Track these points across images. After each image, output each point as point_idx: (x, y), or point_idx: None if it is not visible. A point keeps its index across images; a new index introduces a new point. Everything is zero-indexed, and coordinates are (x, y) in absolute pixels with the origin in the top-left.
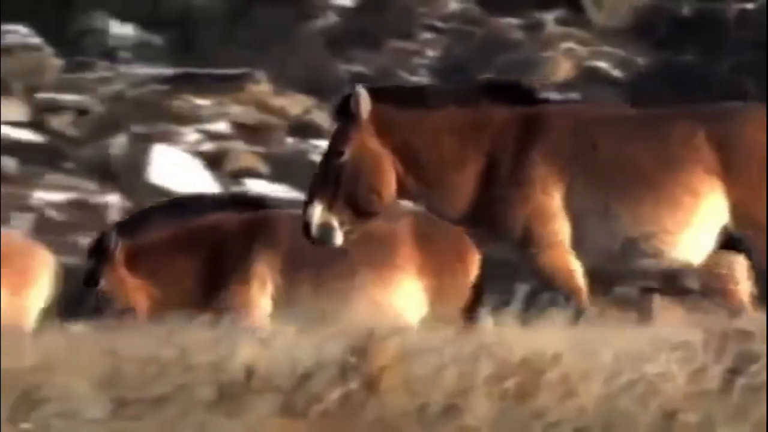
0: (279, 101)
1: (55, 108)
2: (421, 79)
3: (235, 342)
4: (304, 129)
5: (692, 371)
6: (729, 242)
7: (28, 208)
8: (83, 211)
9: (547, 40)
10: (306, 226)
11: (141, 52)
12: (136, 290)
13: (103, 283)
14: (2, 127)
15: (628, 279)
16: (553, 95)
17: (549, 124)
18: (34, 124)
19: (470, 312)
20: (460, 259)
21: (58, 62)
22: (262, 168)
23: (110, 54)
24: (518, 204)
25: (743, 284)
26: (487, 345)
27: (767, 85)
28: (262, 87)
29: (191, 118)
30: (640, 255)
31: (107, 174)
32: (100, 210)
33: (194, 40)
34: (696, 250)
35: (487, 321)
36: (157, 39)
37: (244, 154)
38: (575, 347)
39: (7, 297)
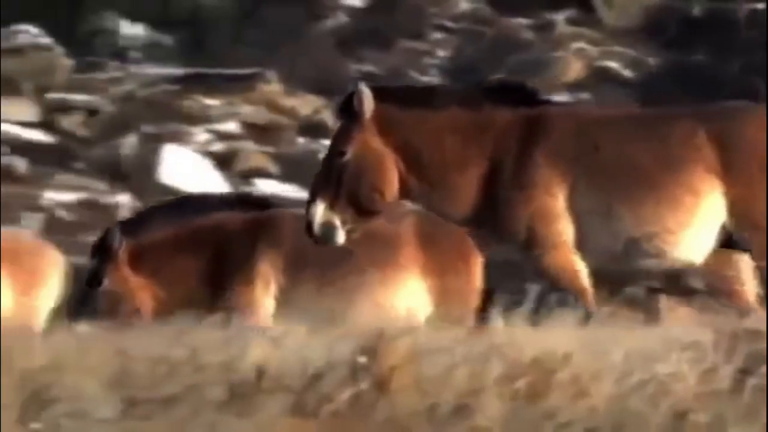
0: (289, 101)
1: (66, 108)
2: (432, 79)
3: (246, 342)
4: (314, 129)
5: (703, 371)
6: (729, 241)
7: (38, 208)
8: (93, 211)
9: (558, 40)
10: (308, 224)
11: (151, 52)
12: (139, 290)
13: (106, 283)
14: (13, 127)
15: (636, 279)
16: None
17: (551, 126)
18: (44, 125)
19: (479, 313)
20: (464, 260)
21: (68, 62)
22: (272, 168)
23: (121, 54)
24: (522, 206)
25: (749, 285)
26: (498, 345)
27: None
28: (272, 87)
29: (201, 118)
30: (642, 255)
31: (117, 174)
32: (110, 210)
33: (204, 40)
34: (697, 250)
35: (497, 321)
36: (167, 39)
37: (254, 154)
38: (586, 347)
39: (17, 297)
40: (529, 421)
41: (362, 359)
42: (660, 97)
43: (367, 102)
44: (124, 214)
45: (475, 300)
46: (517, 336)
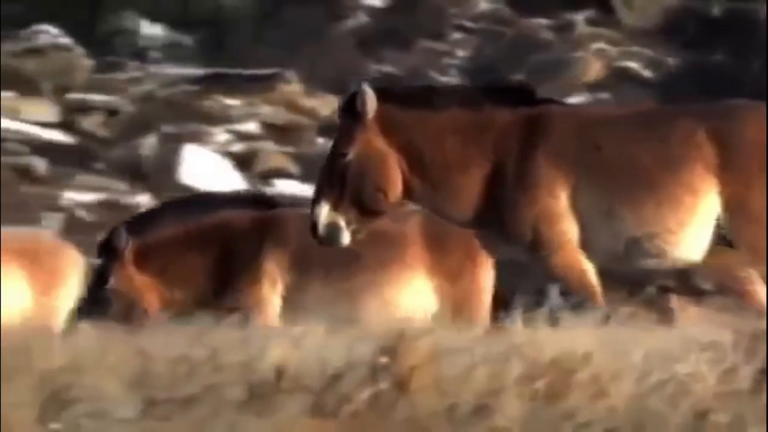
0: (309, 101)
1: (86, 108)
2: (452, 79)
3: (266, 342)
4: (334, 129)
5: (723, 371)
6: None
7: (58, 209)
8: (113, 211)
9: (578, 41)
10: (313, 225)
11: (171, 52)
12: (145, 289)
13: (112, 282)
14: (33, 127)
15: (651, 279)
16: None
17: (552, 126)
18: (64, 125)
19: (493, 313)
20: (470, 260)
21: (88, 62)
22: (292, 168)
23: (140, 54)
24: (526, 208)
25: (760, 285)
26: (518, 345)
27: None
28: (292, 87)
29: (221, 118)
30: (643, 255)
31: (137, 174)
32: (130, 210)
33: (225, 40)
34: (696, 248)
35: (516, 321)
36: (187, 39)
37: (274, 154)
38: (605, 347)
39: (37, 297)
40: (548, 421)
41: (382, 359)
42: (679, 97)
43: (370, 102)
44: None
45: (482, 300)
46: (537, 336)
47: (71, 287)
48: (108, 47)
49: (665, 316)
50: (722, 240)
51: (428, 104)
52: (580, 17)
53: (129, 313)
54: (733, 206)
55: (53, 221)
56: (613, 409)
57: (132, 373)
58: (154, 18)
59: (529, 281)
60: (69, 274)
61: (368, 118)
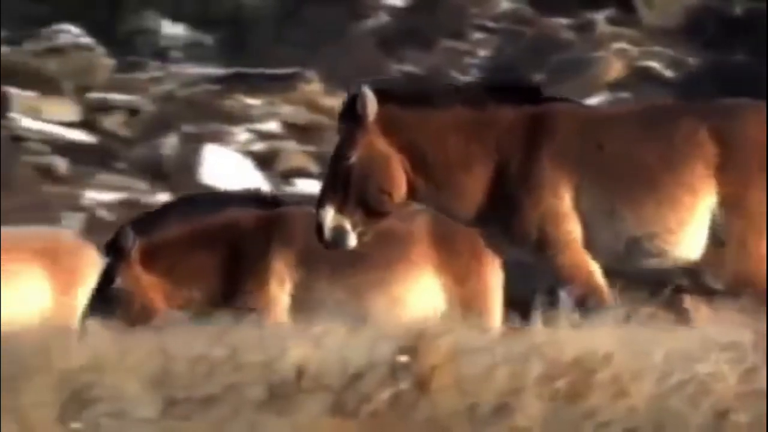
0: (330, 101)
1: (107, 108)
2: (472, 79)
3: (286, 342)
4: None
5: (743, 371)
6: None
7: (79, 208)
8: (134, 210)
9: (599, 40)
10: (319, 229)
11: (192, 51)
12: (151, 288)
13: (119, 281)
14: (54, 127)
15: (671, 279)
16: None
17: (556, 126)
18: (85, 124)
19: (506, 312)
20: (477, 258)
21: (109, 62)
22: (313, 168)
23: (161, 54)
24: (530, 209)
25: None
26: (538, 345)
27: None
28: (313, 87)
29: (242, 117)
30: (644, 255)
31: (158, 174)
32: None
33: (245, 39)
34: (695, 247)
35: (536, 321)
36: (208, 39)
37: (295, 153)
38: (626, 347)
39: (57, 296)
40: (569, 421)
41: (402, 359)
42: (700, 97)
43: (371, 105)
44: None
45: (490, 298)
46: (558, 336)
47: (91, 287)
48: (129, 47)
49: (681, 316)
50: (716, 239)
51: (429, 103)
52: (600, 17)
53: (135, 313)
54: (729, 204)
55: (74, 221)
56: (634, 409)
57: (152, 372)
58: (175, 17)
59: (543, 281)
60: (89, 274)
61: (369, 120)
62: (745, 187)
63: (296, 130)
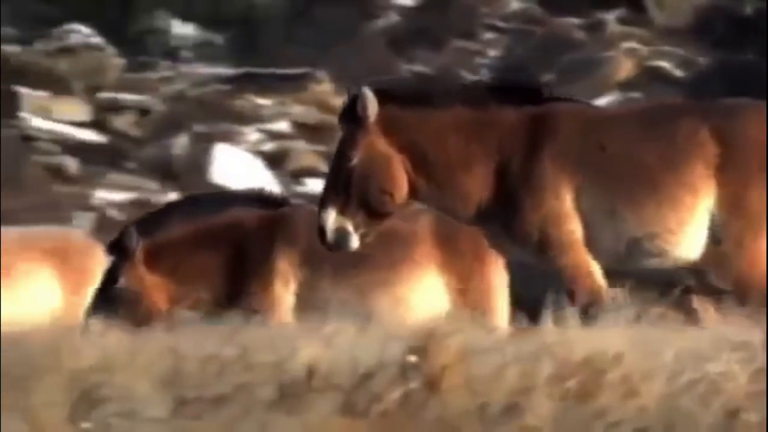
0: (340, 101)
1: (117, 108)
2: (483, 78)
3: (296, 341)
4: None
5: (754, 371)
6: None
7: (89, 208)
8: (145, 210)
9: (609, 40)
10: (321, 231)
11: (203, 51)
12: (155, 288)
13: (122, 281)
14: (64, 126)
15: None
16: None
17: (556, 126)
18: (95, 124)
19: (512, 312)
20: (480, 259)
21: (119, 62)
22: (323, 167)
23: (172, 54)
24: (532, 210)
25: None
26: (549, 345)
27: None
28: (323, 87)
29: (253, 117)
30: (645, 255)
31: (169, 174)
32: None
33: (256, 39)
34: (695, 247)
35: (546, 320)
36: (218, 38)
37: (305, 153)
38: (636, 347)
39: (67, 296)
40: (579, 420)
41: (412, 358)
42: (710, 96)
43: (371, 105)
44: None
45: (493, 298)
46: (568, 336)
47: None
48: (139, 47)
49: (690, 316)
50: (715, 239)
51: (430, 103)
52: (611, 16)
53: (139, 313)
54: (728, 203)
55: (84, 220)
56: (644, 409)
57: (162, 372)
58: (186, 17)
59: (553, 281)
60: (99, 274)
61: (370, 121)
62: (745, 186)
63: (307, 130)
